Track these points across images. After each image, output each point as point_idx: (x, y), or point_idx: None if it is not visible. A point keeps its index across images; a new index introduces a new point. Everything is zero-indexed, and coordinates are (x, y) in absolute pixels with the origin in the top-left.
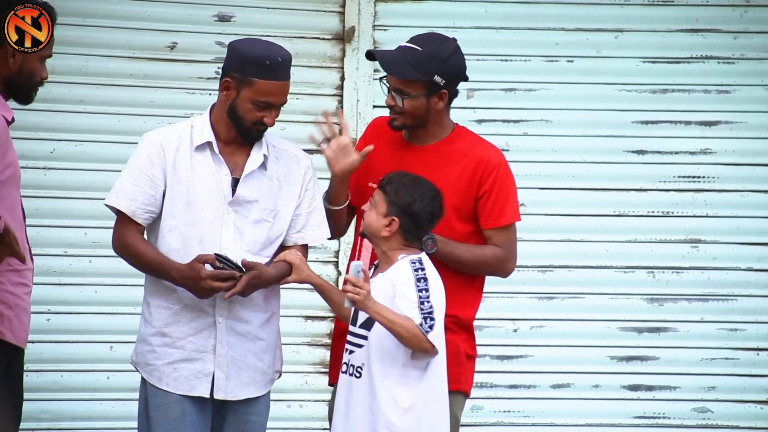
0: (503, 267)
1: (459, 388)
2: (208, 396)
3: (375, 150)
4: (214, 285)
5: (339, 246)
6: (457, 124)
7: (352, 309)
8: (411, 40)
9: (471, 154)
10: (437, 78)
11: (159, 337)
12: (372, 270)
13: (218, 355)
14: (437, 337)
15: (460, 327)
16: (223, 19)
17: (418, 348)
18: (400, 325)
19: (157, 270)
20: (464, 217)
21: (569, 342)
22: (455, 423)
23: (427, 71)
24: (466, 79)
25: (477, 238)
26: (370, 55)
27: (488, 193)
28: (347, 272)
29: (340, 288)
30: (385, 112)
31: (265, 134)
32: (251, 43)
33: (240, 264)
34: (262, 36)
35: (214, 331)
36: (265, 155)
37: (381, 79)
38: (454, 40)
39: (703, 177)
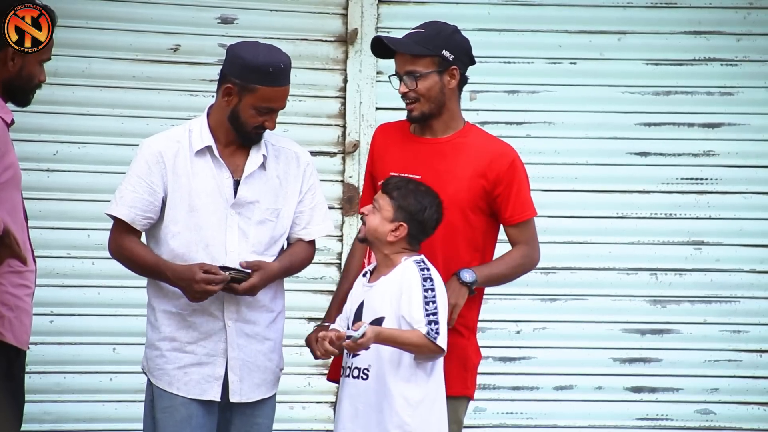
0: (533, 261)
1: (466, 393)
2: (218, 400)
3: (387, 151)
4: (207, 288)
5: (342, 248)
6: (467, 121)
7: (353, 312)
8: (413, 28)
9: (487, 149)
10: (446, 52)
11: (168, 342)
12: (368, 275)
13: (230, 359)
14: (444, 337)
15: (470, 330)
16: (225, 21)
17: (428, 354)
18: (408, 340)
19: (153, 271)
20: (478, 210)
21: (572, 344)
22: (460, 427)
23: (435, 46)
24: (472, 58)
25: (491, 234)
26: (378, 42)
27: (508, 189)
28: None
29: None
30: (388, 115)
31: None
32: (252, 48)
33: (246, 271)
34: (265, 38)
35: (224, 334)
36: (264, 155)
37: (390, 76)
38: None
39: (706, 179)
